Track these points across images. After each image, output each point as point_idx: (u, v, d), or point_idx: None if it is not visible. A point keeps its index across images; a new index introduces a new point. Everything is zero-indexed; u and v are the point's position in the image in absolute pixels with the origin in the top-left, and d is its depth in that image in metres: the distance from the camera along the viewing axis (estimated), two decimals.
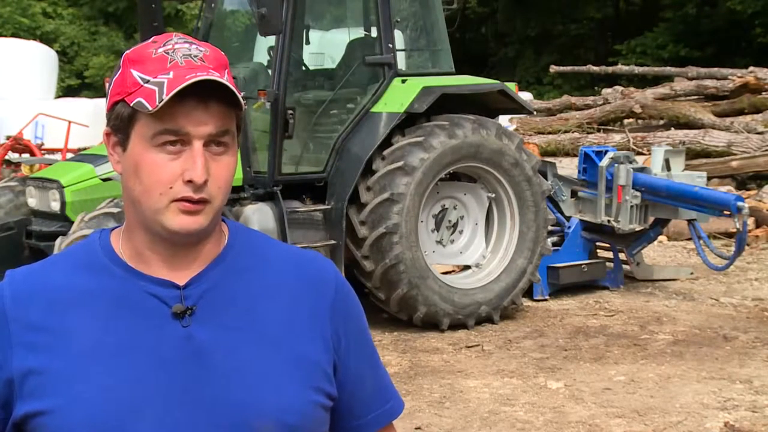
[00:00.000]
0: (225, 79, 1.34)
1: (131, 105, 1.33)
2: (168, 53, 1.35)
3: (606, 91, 16.82)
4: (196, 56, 1.35)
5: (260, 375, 1.39)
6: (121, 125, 1.36)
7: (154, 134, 1.33)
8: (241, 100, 1.36)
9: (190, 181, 1.33)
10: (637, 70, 19.13)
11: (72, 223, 6.05)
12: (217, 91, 1.33)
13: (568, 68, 20.01)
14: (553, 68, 19.83)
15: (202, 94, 1.32)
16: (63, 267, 1.43)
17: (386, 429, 1.59)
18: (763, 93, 14.32)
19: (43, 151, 11.79)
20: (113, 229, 1.47)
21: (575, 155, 10.08)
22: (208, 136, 1.34)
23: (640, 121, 14.73)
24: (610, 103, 15.26)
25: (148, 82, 1.32)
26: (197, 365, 1.36)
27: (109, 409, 1.32)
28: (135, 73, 1.34)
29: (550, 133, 14.31)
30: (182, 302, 1.38)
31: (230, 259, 1.44)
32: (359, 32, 7.38)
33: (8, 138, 11.71)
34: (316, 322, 1.46)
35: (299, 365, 1.42)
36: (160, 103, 1.30)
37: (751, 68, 15.05)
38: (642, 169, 7.97)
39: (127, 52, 1.39)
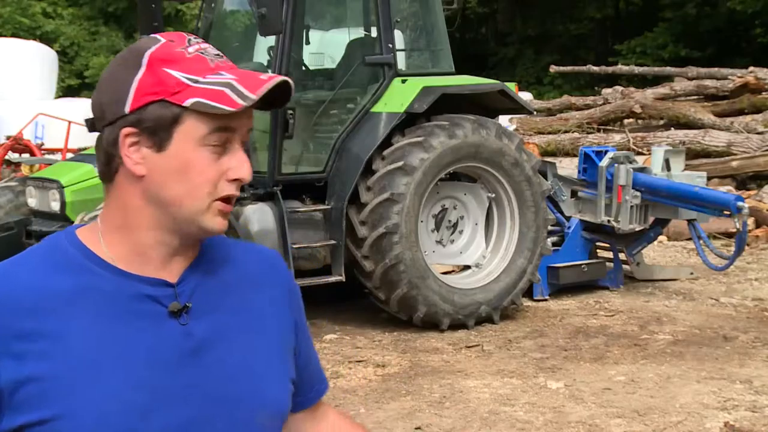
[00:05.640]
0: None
1: (183, 105, 1.32)
2: (201, 53, 1.37)
3: (606, 91, 16.80)
4: (221, 56, 1.39)
5: (256, 367, 1.43)
6: (160, 125, 1.34)
7: (208, 133, 1.34)
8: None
9: (235, 180, 1.36)
10: (637, 70, 19.11)
11: (72, 222, 6.05)
12: None
13: (568, 68, 19.99)
14: (553, 68, 19.82)
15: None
16: (35, 270, 1.36)
17: (318, 404, 1.66)
18: (763, 93, 14.30)
19: (43, 151, 11.79)
20: (75, 228, 1.43)
21: (575, 155, 10.07)
22: (247, 134, 1.40)
23: (640, 121, 14.72)
24: (610, 103, 15.25)
25: (197, 82, 1.33)
26: (198, 362, 1.38)
27: (119, 412, 1.31)
28: (175, 73, 1.33)
29: (550, 133, 14.30)
30: (177, 300, 1.38)
31: (206, 256, 1.46)
32: (359, 32, 7.38)
33: (8, 138, 11.70)
34: (281, 310, 1.52)
35: (283, 354, 1.49)
36: (249, 103, 1.32)
37: (751, 68, 15.02)
38: (642, 169, 7.98)
39: (151, 51, 1.36)
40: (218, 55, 1.38)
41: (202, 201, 1.35)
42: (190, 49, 1.36)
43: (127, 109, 1.35)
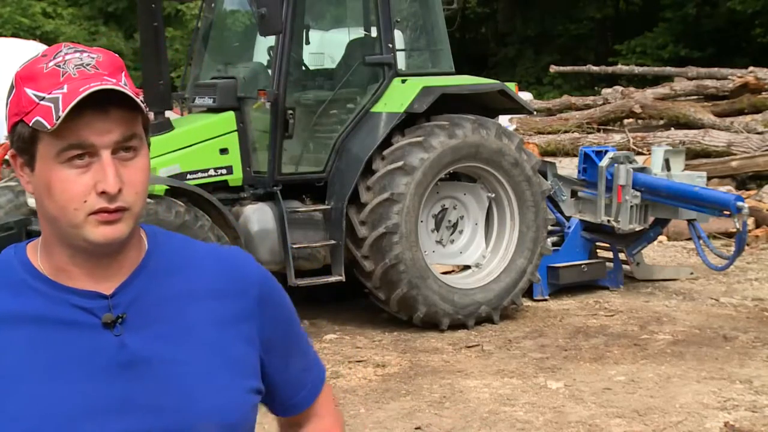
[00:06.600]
0: (122, 84, 1.31)
1: (30, 125, 1.30)
2: (59, 66, 1.32)
3: (606, 91, 16.79)
4: (88, 65, 1.32)
5: (197, 377, 1.40)
6: (24, 146, 1.33)
7: (59, 151, 1.30)
8: (140, 102, 1.33)
9: (103, 192, 1.31)
10: (637, 70, 19.09)
11: None
12: (115, 97, 1.30)
13: (568, 68, 19.98)
14: (553, 68, 19.81)
15: (100, 102, 1.28)
16: None
17: (322, 393, 1.65)
18: (763, 93, 14.30)
19: None
20: (29, 242, 1.44)
21: (575, 155, 10.07)
22: (114, 144, 1.31)
23: (640, 121, 14.71)
24: (610, 103, 15.25)
25: (43, 99, 1.30)
26: (133, 373, 1.36)
27: (45, 423, 1.31)
28: (29, 92, 1.31)
29: (550, 133, 14.30)
30: (111, 311, 1.37)
31: (153, 265, 1.43)
32: (359, 32, 7.38)
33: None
34: (242, 319, 1.48)
35: (232, 364, 1.45)
36: (57, 120, 1.27)
37: (751, 68, 15.02)
38: (642, 169, 7.98)
39: (18, 70, 1.35)
40: (82, 65, 1.32)
41: (74, 216, 1.32)
42: (50, 64, 1.32)
43: (5, 131, 1.36)
